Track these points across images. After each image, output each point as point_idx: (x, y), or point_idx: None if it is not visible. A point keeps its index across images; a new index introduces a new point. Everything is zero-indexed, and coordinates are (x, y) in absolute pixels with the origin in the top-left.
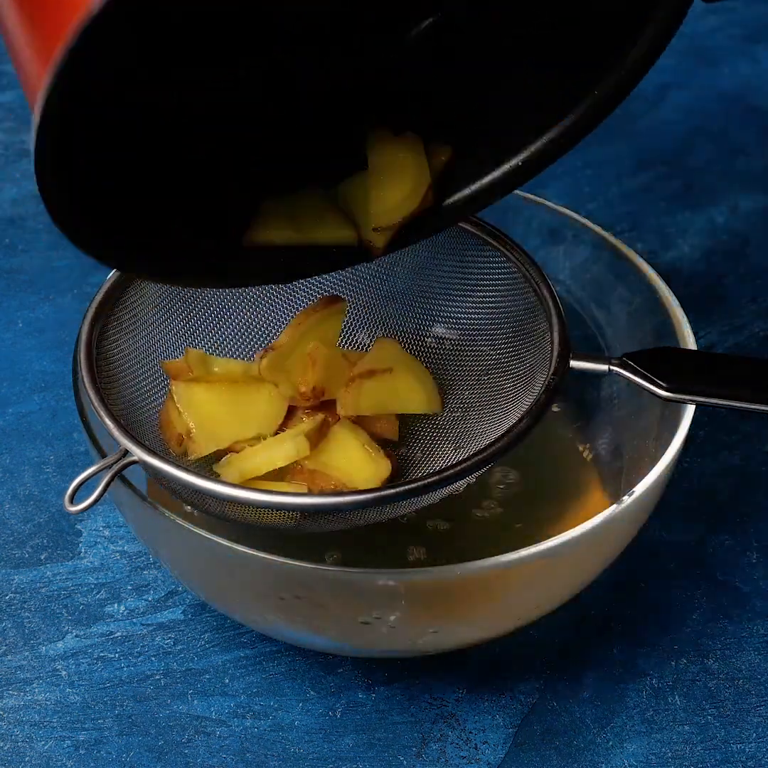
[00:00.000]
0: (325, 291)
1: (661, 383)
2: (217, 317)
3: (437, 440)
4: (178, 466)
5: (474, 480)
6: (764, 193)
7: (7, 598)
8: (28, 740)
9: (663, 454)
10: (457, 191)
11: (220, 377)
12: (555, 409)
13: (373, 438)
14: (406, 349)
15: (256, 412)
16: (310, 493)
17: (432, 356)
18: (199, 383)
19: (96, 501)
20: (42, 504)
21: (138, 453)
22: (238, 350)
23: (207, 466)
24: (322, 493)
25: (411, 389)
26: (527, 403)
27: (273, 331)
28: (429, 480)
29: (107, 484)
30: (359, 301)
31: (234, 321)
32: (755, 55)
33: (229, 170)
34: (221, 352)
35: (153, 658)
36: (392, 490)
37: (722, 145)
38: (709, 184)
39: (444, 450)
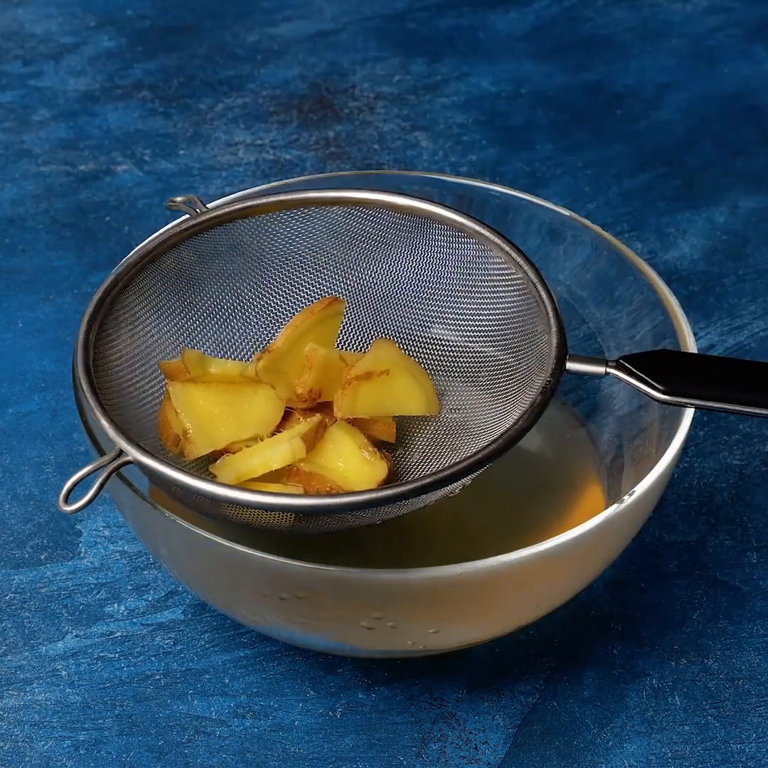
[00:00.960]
0: (324, 293)
1: (658, 386)
2: (215, 318)
3: (434, 442)
4: (173, 466)
5: (469, 481)
6: (764, 193)
7: (7, 598)
8: (28, 740)
9: (663, 454)
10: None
11: (218, 378)
12: (553, 408)
13: (371, 440)
14: (404, 351)
15: (253, 414)
16: (304, 494)
17: (430, 358)
18: (197, 384)
19: (91, 500)
20: (42, 504)
21: (133, 453)
22: (235, 351)
23: (203, 466)
24: (316, 495)
25: (408, 391)
26: (524, 404)
27: (271, 332)
28: (423, 482)
29: (102, 484)
30: (358, 302)
31: (232, 322)
32: (755, 55)
33: None
34: (219, 353)
35: (153, 658)
36: (387, 492)
37: (722, 145)
38: (709, 184)
39: (441, 452)
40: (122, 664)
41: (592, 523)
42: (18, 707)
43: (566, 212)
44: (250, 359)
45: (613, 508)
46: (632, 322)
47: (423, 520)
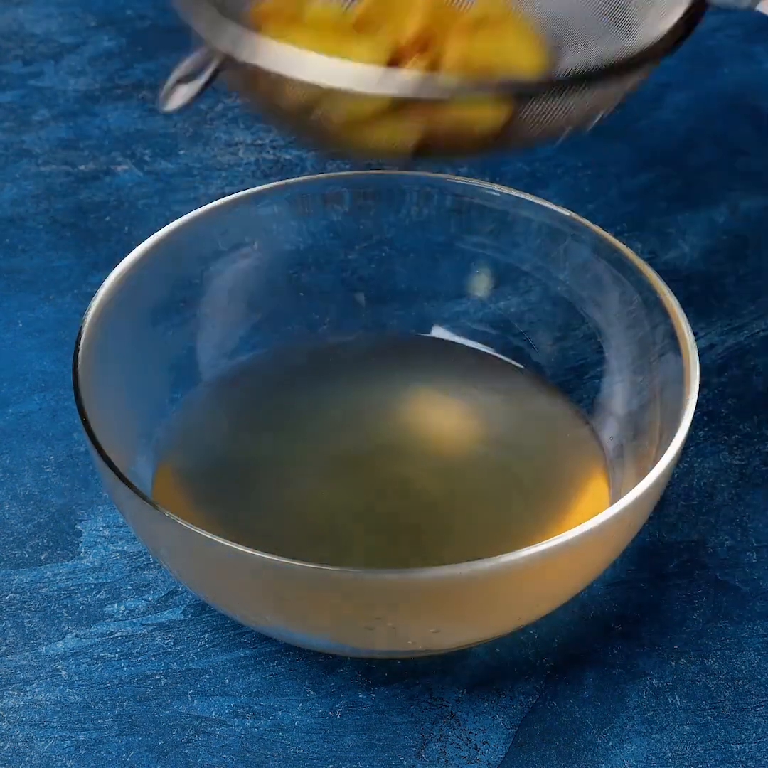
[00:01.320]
0: None
1: None
2: None
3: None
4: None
5: (622, 97)
6: (764, 194)
7: (7, 598)
8: (28, 740)
9: (663, 454)
10: None
11: (315, 21)
12: (554, 407)
13: None
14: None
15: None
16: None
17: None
18: (293, 28)
19: (193, 100)
20: (42, 504)
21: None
22: None
23: None
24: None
25: (521, 44)
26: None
27: None
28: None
29: (212, 75)
30: None
31: None
32: (755, 55)
33: None
34: None
35: (153, 658)
36: (543, 76)
37: (722, 145)
38: (709, 184)
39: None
40: (122, 664)
41: (592, 523)
42: (18, 707)
43: (566, 212)
44: (350, 4)
45: (613, 509)
46: (632, 322)
47: (424, 519)
